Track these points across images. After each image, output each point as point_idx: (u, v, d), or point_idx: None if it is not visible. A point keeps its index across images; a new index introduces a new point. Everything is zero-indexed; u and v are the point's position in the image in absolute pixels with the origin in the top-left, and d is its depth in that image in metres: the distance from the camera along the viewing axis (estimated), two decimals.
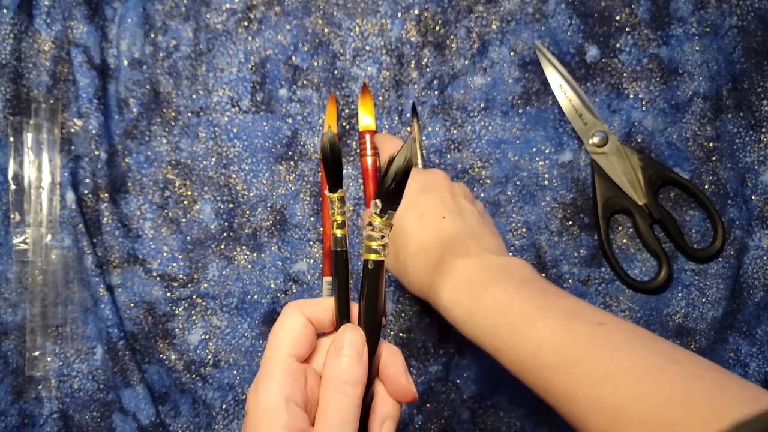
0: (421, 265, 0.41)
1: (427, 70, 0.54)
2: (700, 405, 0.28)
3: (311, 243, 0.53)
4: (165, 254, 0.52)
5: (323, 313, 0.33)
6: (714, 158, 0.52)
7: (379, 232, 0.30)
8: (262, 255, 0.53)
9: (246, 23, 0.54)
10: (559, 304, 0.35)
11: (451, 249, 0.40)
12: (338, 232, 0.32)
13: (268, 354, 0.32)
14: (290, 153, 0.53)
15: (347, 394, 0.30)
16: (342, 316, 0.33)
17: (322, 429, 0.29)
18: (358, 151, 0.53)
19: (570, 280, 0.52)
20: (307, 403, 0.31)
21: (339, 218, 0.32)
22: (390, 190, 0.29)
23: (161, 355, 0.52)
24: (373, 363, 0.32)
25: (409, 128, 0.53)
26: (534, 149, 0.53)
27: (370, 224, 0.30)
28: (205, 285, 0.52)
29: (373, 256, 0.31)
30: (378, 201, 0.30)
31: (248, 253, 0.53)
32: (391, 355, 0.33)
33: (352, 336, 0.31)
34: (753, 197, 0.50)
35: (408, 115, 0.54)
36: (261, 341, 0.52)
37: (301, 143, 0.53)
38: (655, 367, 0.30)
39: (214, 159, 0.53)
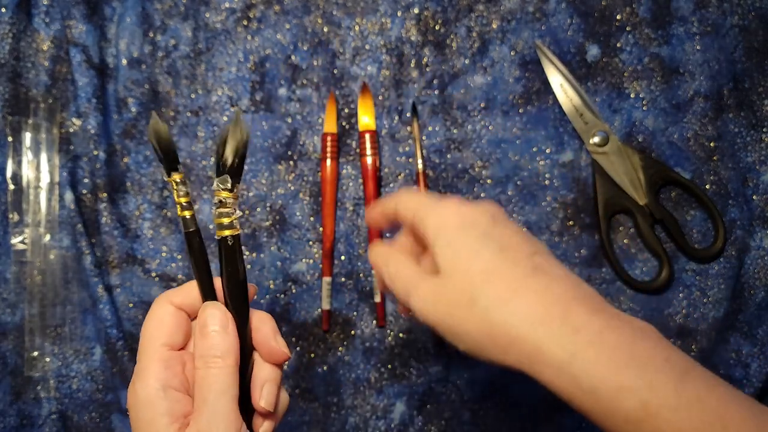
0: (513, 314, 0.30)
1: (427, 69, 0.53)
2: None
3: (310, 243, 0.53)
4: (164, 254, 0.52)
5: (192, 298, 0.33)
6: (715, 158, 0.52)
7: (232, 207, 0.31)
8: (261, 255, 0.52)
9: (245, 22, 0.54)
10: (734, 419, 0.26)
11: (573, 299, 0.30)
12: (186, 214, 0.33)
13: (141, 348, 0.32)
14: (290, 153, 0.53)
15: (218, 366, 0.31)
16: (207, 296, 0.33)
17: (200, 404, 0.30)
18: (357, 150, 0.53)
19: None
20: (189, 388, 0.32)
21: (183, 200, 0.32)
22: (235, 164, 0.31)
23: None
24: (247, 334, 0.33)
25: (409, 128, 0.53)
26: (534, 149, 0.53)
27: (220, 202, 0.31)
28: None
29: (228, 232, 0.32)
30: (227, 176, 0.31)
31: (247, 253, 0.52)
32: (259, 321, 0.34)
33: (212, 312, 0.32)
34: (754, 197, 0.50)
35: (408, 114, 0.53)
36: None
37: (301, 143, 0.53)
38: None
39: (213, 159, 0.53)
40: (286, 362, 0.35)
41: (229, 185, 0.31)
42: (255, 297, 0.35)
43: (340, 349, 0.52)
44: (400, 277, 0.34)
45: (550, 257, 0.32)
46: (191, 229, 0.33)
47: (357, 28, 0.54)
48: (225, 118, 0.53)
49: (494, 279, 0.30)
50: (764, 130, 0.51)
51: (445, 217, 0.33)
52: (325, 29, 0.54)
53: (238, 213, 0.32)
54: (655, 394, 0.26)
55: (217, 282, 0.34)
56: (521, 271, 0.31)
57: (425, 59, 0.54)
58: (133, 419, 0.31)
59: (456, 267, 0.31)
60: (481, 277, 0.31)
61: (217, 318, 0.32)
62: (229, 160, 0.31)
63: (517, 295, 0.30)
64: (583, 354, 0.28)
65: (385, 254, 0.36)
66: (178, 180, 0.32)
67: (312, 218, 0.53)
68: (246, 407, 0.33)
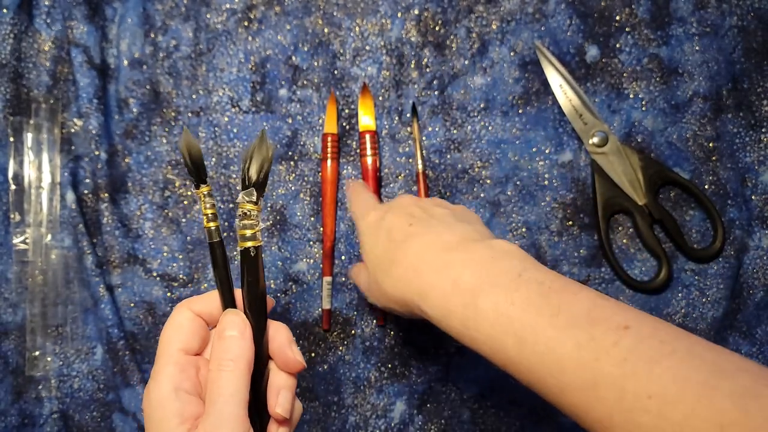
0: (399, 280, 0.37)
1: (427, 70, 0.54)
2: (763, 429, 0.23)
3: (311, 243, 0.53)
4: (165, 254, 0.52)
5: (211, 306, 0.35)
6: (714, 158, 0.52)
7: (255, 219, 0.33)
8: (262, 255, 0.52)
9: (246, 23, 0.54)
10: (575, 305, 0.30)
11: (426, 251, 0.36)
12: (212, 225, 0.35)
13: (159, 351, 0.33)
14: (290, 153, 0.53)
15: (229, 369, 0.32)
16: (227, 305, 0.35)
17: (209, 406, 0.31)
18: (358, 151, 0.53)
19: None
20: (201, 392, 0.33)
21: (209, 212, 0.34)
22: (260, 179, 0.33)
23: None
24: (264, 343, 0.34)
25: (409, 128, 0.53)
26: (534, 149, 0.53)
27: (244, 214, 0.33)
28: (206, 285, 0.52)
29: (251, 243, 0.33)
30: (252, 190, 0.33)
31: None
32: (275, 331, 0.35)
33: (232, 318, 0.33)
34: (753, 197, 0.50)
35: (408, 115, 0.54)
36: None
37: (301, 143, 0.53)
38: (704, 383, 0.26)
39: (214, 159, 0.53)
40: (301, 371, 0.36)
41: (254, 198, 0.33)
42: (271, 308, 0.37)
43: (340, 348, 0.52)
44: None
45: (426, 220, 0.39)
46: (215, 240, 0.34)
47: (357, 29, 0.54)
48: (226, 119, 0.53)
49: (381, 258, 0.39)
50: (763, 130, 0.51)
51: (363, 223, 0.42)
52: (326, 30, 0.54)
53: (261, 225, 0.33)
54: (454, 313, 0.34)
55: (238, 292, 0.35)
56: (398, 243, 0.38)
57: (425, 60, 0.54)
58: (147, 419, 0.32)
59: (367, 252, 0.41)
60: (376, 260, 0.39)
61: (235, 324, 0.33)
62: (254, 176, 0.33)
63: (394, 266, 0.37)
64: (429, 296, 0.35)
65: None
66: (206, 192, 0.34)
67: (312, 218, 0.53)
68: (261, 415, 0.34)
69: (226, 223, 0.53)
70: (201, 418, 0.31)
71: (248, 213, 0.33)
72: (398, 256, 0.37)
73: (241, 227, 0.33)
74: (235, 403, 0.31)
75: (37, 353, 0.50)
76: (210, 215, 0.34)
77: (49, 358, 0.50)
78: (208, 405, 0.31)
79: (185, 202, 0.53)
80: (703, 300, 0.51)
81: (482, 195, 0.53)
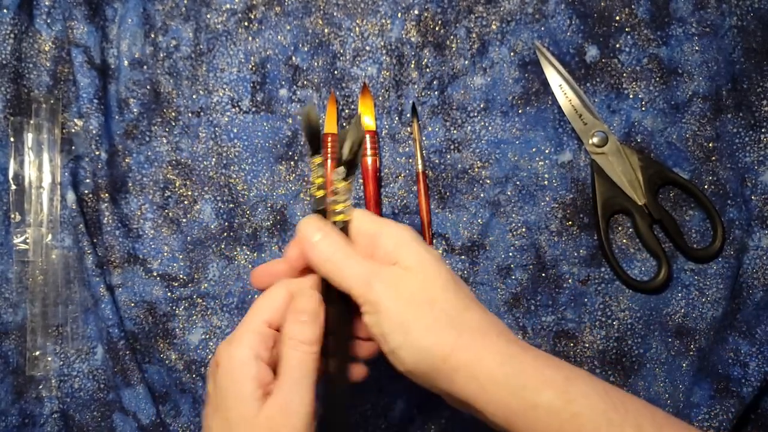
0: (475, 324, 0.34)
1: (427, 70, 0.54)
2: None
3: None
4: (165, 254, 0.53)
5: (304, 288, 0.37)
6: (714, 158, 0.52)
7: (344, 195, 0.36)
8: (263, 255, 0.53)
9: (246, 23, 0.54)
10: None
11: (504, 328, 0.35)
12: (318, 194, 0.37)
13: (246, 318, 0.36)
14: (290, 153, 0.53)
15: (303, 351, 0.34)
16: (323, 289, 0.37)
17: (283, 380, 0.33)
18: None
19: (570, 280, 0.52)
20: (273, 363, 0.35)
21: (318, 181, 0.37)
22: (351, 159, 0.35)
23: (162, 355, 0.52)
24: (346, 324, 0.36)
25: (409, 128, 0.54)
26: (534, 149, 0.53)
27: (334, 191, 0.36)
28: (206, 285, 0.52)
29: (339, 218, 0.36)
30: (341, 168, 0.35)
31: (248, 253, 0.53)
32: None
33: (308, 302, 0.35)
34: (753, 197, 0.50)
35: (408, 115, 0.54)
36: None
37: (302, 143, 0.54)
38: None
39: (214, 159, 0.53)
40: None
41: (343, 176, 0.36)
42: None
43: None
44: (353, 258, 0.35)
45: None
46: (320, 208, 0.37)
47: (357, 29, 0.54)
48: (226, 119, 0.54)
49: (451, 289, 0.34)
50: (763, 130, 0.51)
51: (405, 229, 0.36)
52: (326, 30, 0.54)
53: (350, 202, 0.36)
54: (571, 385, 0.32)
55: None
56: (467, 295, 0.35)
57: (425, 60, 0.54)
58: (222, 379, 0.34)
59: (422, 268, 0.34)
60: (441, 283, 0.34)
61: (310, 308, 0.35)
62: (345, 155, 0.35)
63: (469, 311, 0.34)
64: (513, 359, 0.32)
65: (326, 230, 0.35)
66: (318, 162, 0.37)
67: None
68: (341, 396, 0.37)
69: (226, 223, 0.53)
70: (275, 388, 0.33)
71: (337, 190, 0.36)
72: (471, 304, 0.34)
73: (331, 203, 0.36)
74: (307, 383, 0.33)
75: (37, 353, 0.50)
76: (318, 184, 0.37)
77: (49, 358, 0.50)
78: (283, 379, 0.34)
79: (185, 202, 0.53)
80: (703, 300, 0.51)
81: (482, 195, 0.53)
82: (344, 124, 0.54)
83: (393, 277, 0.34)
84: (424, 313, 0.33)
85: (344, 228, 0.36)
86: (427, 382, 0.34)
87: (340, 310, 0.36)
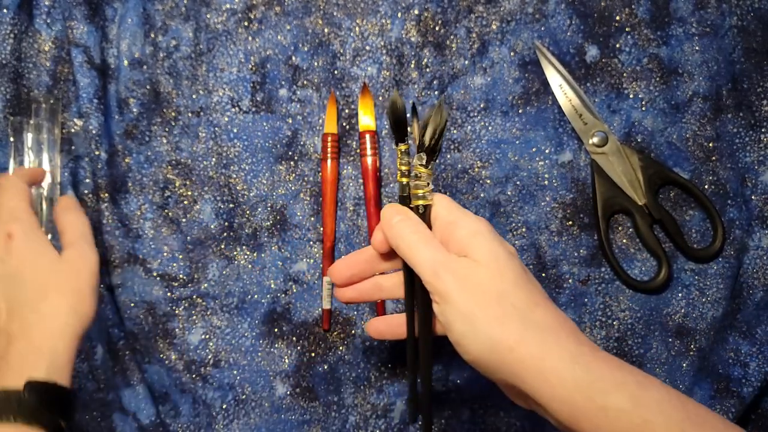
0: (546, 324, 0.34)
1: (427, 70, 0.54)
2: None
3: (311, 243, 0.53)
4: (165, 254, 0.52)
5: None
6: (714, 158, 0.52)
7: (426, 180, 0.37)
8: (263, 255, 0.53)
9: (246, 23, 0.54)
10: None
11: (574, 328, 0.35)
12: (404, 180, 0.38)
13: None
14: (290, 153, 0.53)
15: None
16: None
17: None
18: (358, 151, 0.53)
19: (570, 280, 0.52)
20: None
21: (404, 168, 0.38)
22: (433, 145, 0.36)
23: (161, 355, 0.52)
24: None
25: (409, 128, 0.53)
26: (534, 149, 0.53)
27: (416, 176, 0.37)
28: (206, 285, 0.52)
29: (420, 202, 0.37)
30: (423, 154, 0.36)
31: (248, 253, 0.53)
32: None
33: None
34: (753, 197, 0.50)
35: (408, 115, 0.54)
36: (261, 341, 0.52)
37: (302, 143, 0.54)
38: None
39: (214, 159, 0.53)
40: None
41: (424, 161, 0.37)
42: None
43: (340, 348, 0.52)
44: (427, 244, 0.35)
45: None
46: (404, 194, 0.38)
47: (357, 29, 0.54)
48: (226, 119, 0.53)
49: (521, 285, 0.34)
50: (763, 130, 0.51)
51: (481, 222, 0.36)
52: (326, 30, 0.54)
53: (431, 187, 0.37)
54: (643, 390, 0.31)
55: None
56: (538, 292, 0.35)
57: (425, 60, 0.54)
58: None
59: (494, 261, 0.34)
60: (512, 278, 0.34)
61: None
62: (427, 141, 0.36)
63: (539, 307, 0.34)
64: (583, 357, 0.32)
65: (409, 217, 0.37)
66: (403, 150, 0.38)
67: (312, 218, 0.53)
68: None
69: (226, 223, 0.53)
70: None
71: (419, 175, 0.37)
72: (542, 302, 0.34)
73: (414, 187, 0.37)
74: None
75: None
76: (404, 171, 0.38)
77: None
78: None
79: (185, 202, 0.53)
80: (703, 300, 0.51)
81: (482, 195, 0.53)
82: (344, 124, 0.54)
83: (461, 268, 0.34)
84: (491, 305, 0.33)
85: (425, 212, 0.37)
86: (491, 372, 0.34)
87: (424, 289, 0.37)
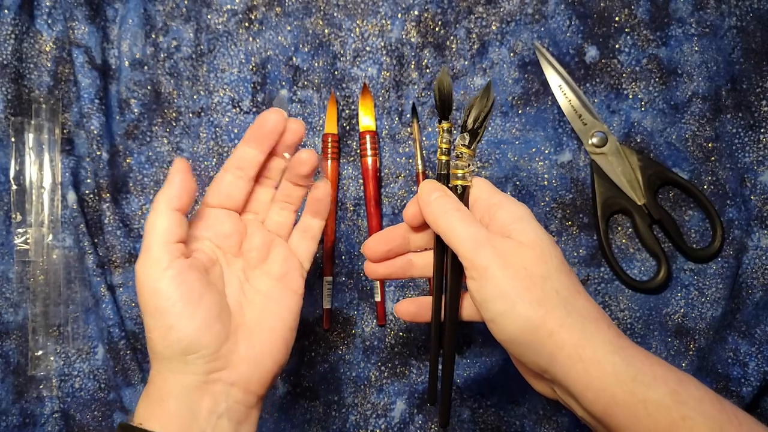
0: (587, 310, 0.34)
1: (427, 70, 0.54)
2: None
3: None
4: None
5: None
6: (713, 158, 0.52)
7: (467, 160, 0.37)
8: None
9: (247, 24, 0.54)
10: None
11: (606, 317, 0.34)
12: (443, 158, 0.38)
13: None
14: None
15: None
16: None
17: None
18: (358, 151, 0.53)
19: None
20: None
21: (444, 146, 0.38)
22: (477, 126, 0.37)
23: None
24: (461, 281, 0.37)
25: (409, 128, 0.54)
26: (533, 149, 0.53)
27: (458, 156, 0.37)
28: None
29: (459, 182, 0.37)
30: (466, 135, 0.37)
31: None
32: None
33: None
34: (752, 197, 0.50)
35: (408, 115, 0.54)
36: None
37: (302, 144, 0.54)
38: None
39: (215, 159, 0.53)
40: None
41: (467, 142, 0.37)
42: None
43: (340, 347, 0.52)
44: (466, 220, 0.35)
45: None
46: (443, 173, 0.38)
47: (357, 29, 0.54)
48: (227, 119, 0.54)
49: (565, 272, 0.34)
50: (762, 130, 0.51)
51: (525, 208, 0.36)
52: (326, 31, 0.54)
53: (472, 168, 0.37)
54: (683, 387, 0.31)
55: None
56: (578, 282, 0.35)
57: (425, 61, 0.54)
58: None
59: (539, 245, 0.34)
60: (556, 264, 0.34)
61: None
62: (470, 124, 0.37)
63: (581, 296, 0.34)
64: (623, 350, 0.32)
65: (447, 194, 0.37)
66: (445, 128, 0.38)
67: None
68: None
69: None
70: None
71: (461, 155, 0.37)
72: (581, 291, 0.34)
73: (454, 167, 0.37)
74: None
75: (39, 353, 0.50)
76: (444, 149, 0.38)
77: (51, 358, 0.50)
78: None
79: None
80: (702, 300, 0.51)
81: None
82: (344, 125, 0.54)
83: (505, 247, 0.34)
84: (534, 287, 0.32)
85: (463, 193, 0.37)
86: (525, 354, 0.33)
87: (454, 268, 0.37)
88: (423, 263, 0.41)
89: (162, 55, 0.54)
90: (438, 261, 0.39)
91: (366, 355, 0.52)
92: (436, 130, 0.53)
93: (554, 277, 0.33)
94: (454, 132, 0.38)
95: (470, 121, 0.37)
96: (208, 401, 0.33)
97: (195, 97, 0.54)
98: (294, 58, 0.54)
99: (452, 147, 0.38)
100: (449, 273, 0.38)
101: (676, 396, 0.30)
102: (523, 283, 0.33)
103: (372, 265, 0.41)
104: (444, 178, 0.38)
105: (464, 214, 0.35)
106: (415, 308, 0.41)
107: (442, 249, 0.39)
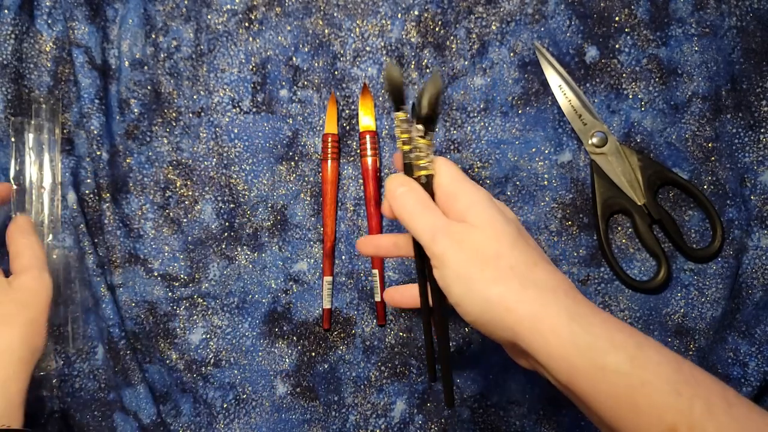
0: (543, 282, 0.34)
1: (427, 70, 0.54)
2: None
3: (312, 243, 0.53)
4: (166, 254, 0.53)
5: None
6: (713, 158, 0.52)
7: (425, 151, 0.37)
8: (263, 255, 0.53)
9: (247, 24, 0.54)
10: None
11: (571, 286, 0.35)
12: (405, 147, 0.38)
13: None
14: (291, 153, 0.54)
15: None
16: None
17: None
18: (358, 151, 0.53)
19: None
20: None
21: (404, 136, 0.38)
22: (428, 115, 0.36)
23: (162, 355, 0.52)
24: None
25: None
26: (533, 149, 0.53)
27: (415, 148, 0.37)
28: (206, 285, 0.52)
29: (423, 172, 0.37)
30: (419, 126, 0.37)
31: (249, 252, 0.53)
32: None
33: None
34: (752, 197, 0.50)
35: (408, 115, 0.54)
36: (261, 340, 0.52)
37: (302, 144, 0.54)
38: None
39: (215, 159, 0.53)
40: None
41: (422, 132, 0.37)
42: None
43: (340, 347, 0.52)
44: (426, 212, 0.36)
45: None
46: (407, 162, 0.38)
47: (357, 29, 0.54)
48: (227, 120, 0.54)
49: (519, 247, 0.35)
50: (762, 130, 0.51)
51: (480, 192, 0.37)
52: (326, 31, 0.54)
53: (431, 157, 0.37)
54: (642, 351, 0.31)
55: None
56: (537, 254, 0.35)
57: (425, 61, 0.54)
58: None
59: (489, 225, 0.35)
60: (509, 241, 0.35)
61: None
62: (423, 111, 0.36)
63: (537, 267, 0.34)
64: (581, 318, 0.32)
65: (409, 185, 0.38)
66: (401, 118, 0.38)
67: (313, 218, 0.53)
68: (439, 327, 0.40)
69: (227, 223, 0.53)
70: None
71: (419, 147, 0.37)
72: (540, 262, 0.35)
73: (414, 158, 0.38)
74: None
75: None
76: (403, 138, 0.38)
77: (50, 358, 0.50)
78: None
79: (186, 202, 0.53)
80: (702, 300, 0.51)
81: None
82: (344, 125, 0.54)
83: (458, 232, 0.35)
84: (488, 266, 0.33)
85: (428, 181, 0.38)
86: (490, 332, 0.34)
87: (426, 260, 0.38)
88: (406, 244, 0.42)
89: (162, 55, 0.54)
90: (416, 248, 0.40)
91: (366, 355, 0.52)
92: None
93: (507, 254, 0.34)
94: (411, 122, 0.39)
95: (423, 108, 0.36)
96: None
97: (195, 97, 0.54)
98: (294, 58, 0.54)
99: (411, 137, 0.38)
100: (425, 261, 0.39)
101: (634, 361, 0.31)
102: (477, 265, 0.33)
103: (362, 245, 0.44)
104: (409, 168, 0.38)
105: (424, 206, 0.36)
106: (399, 296, 0.44)
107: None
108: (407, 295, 0.43)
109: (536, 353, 0.32)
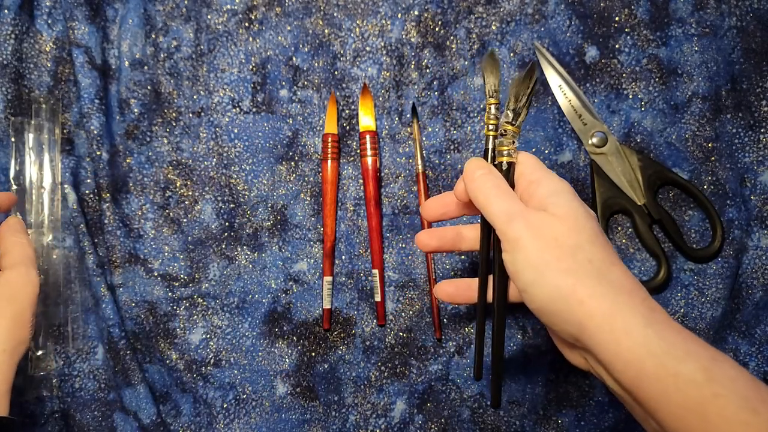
0: (621, 281, 0.34)
1: (427, 70, 0.54)
2: None
3: (312, 243, 0.53)
4: (166, 254, 0.53)
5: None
6: (713, 158, 0.52)
7: (511, 138, 0.38)
8: (263, 255, 0.53)
9: (247, 24, 0.54)
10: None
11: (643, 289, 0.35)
12: (490, 134, 0.39)
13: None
14: (291, 153, 0.54)
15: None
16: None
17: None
18: (358, 151, 0.53)
19: None
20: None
21: (491, 122, 0.39)
22: (519, 106, 0.38)
23: (162, 355, 0.52)
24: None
25: (409, 128, 0.54)
26: (533, 149, 0.53)
27: (502, 133, 0.38)
28: (206, 285, 0.52)
29: (505, 159, 0.38)
30: (509, 112, 0.38)
31: (249, 252, 0.53)
32: None
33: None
34: (752, 197, 0.50)
35: (408, 115, 0.54)
36: (261, 340, 0.52)
37: (302, 144, 0.54)
38: None
39: (215, 159, 0.53)
40: None
41: (510, 119, 0.38)
42: None
43: (340, 347, 0.52)
44: (504, 196, 0.36)
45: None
46: (489, 147, 0.39)
47: (357, 29, 0.54)
48: (227, 120, 0.54)
49: (599, 244, 0.34)
50: (762, 130, 0.51)
51: (563, 183, 0.37)
52: (326, 31, 0.54)
53: (516, 144, 0.38)
54: (716, 365, 0.30)
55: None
56: (615, 255, 0.35)
57: (425, 61, 0.54)
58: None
59: (572, 217, 0.34)
60: (589, 235, 0.34)
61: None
62: (513, 101, 0.38)
63: (615, 267, 0.34)
64: (657, 324, 0.31)
65: (489, 168, 0.38)
66: (492, 104, 0.39)
67: (313, 218, 0.53)
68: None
69: (227, 223, 0.53)
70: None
71: (505, 132, 0.38)
72: (616, 262, 0.34)
73: (499, 144, 0.38)
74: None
75: (40, 353, 0.50)
76: (490, 125, 0.39)
77: (50, 358, 0.50)
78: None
79: (186, 202, 0.53)
80: (702, 300, 0.51)
81: None
82: (344, 125, 0.54)
83: (538, 220, 0.34)
84: (565, 257, 0.33)
85: (509, 169, 0.38)
86: (556, 322, 0.34)
87: (497, 245, 0.38)
88: (472, 236, 0.43)
89: (162, 55, 0.54)
90: (484, 237, 0.40)
91: (366, 355, 0.52)
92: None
93: (587, 248, 0.34)
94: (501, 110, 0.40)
95: (513, 99, 0.38)
96: None
97: (195, 97, 0.54)
98: (294, 58, 0.54)
99: (498, 124, 0.39)
100: (495, 250, 0.39)
101: (707, 372, 0.30)
102: (553, 253, 0.33)
103: (424, 237, 0.43)
104: (487, 155, 0.39)
105: (502, 190, 0.36)
106: (453, 289, 0.43)
107: (486, 225, 0.40)
108: (462, 287, 0.43)
109: (602, 352, 0.31)
